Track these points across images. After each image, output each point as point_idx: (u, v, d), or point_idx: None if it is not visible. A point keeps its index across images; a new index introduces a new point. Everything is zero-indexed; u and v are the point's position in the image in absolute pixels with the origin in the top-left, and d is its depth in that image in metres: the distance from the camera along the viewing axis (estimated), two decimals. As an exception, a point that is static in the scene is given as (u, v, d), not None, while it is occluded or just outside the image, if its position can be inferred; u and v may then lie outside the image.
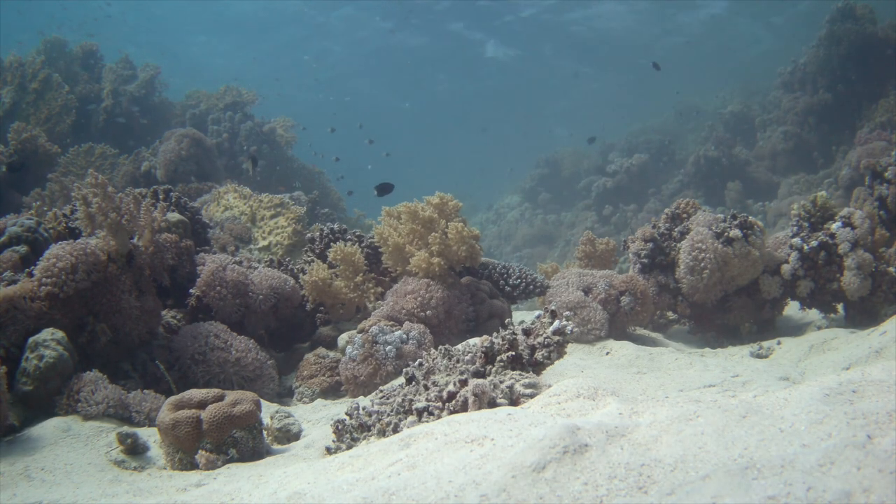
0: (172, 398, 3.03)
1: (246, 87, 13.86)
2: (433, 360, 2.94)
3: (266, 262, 5.79)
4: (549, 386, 2.47)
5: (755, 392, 1.91)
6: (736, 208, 11.82)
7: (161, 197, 5.51)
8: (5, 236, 4.15)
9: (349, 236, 5.80)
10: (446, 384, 2.62)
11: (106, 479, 2.75)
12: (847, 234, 5.06)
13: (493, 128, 43.89)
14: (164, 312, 4.60)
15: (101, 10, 25.77)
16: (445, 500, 1.47)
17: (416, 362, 2.99)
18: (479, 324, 5.05)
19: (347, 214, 13.45)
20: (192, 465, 2.90)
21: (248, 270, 5.10)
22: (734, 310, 5.54)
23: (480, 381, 2.50)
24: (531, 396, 2.47)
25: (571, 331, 2.78)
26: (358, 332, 4.65)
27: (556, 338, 2.76)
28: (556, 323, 2.78)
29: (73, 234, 4.47)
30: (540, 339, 2.77)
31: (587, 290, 5.31)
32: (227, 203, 7.95)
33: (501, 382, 2.54)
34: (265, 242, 7.45)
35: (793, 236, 5.41)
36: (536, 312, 2.94)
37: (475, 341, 3.19)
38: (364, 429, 2.76)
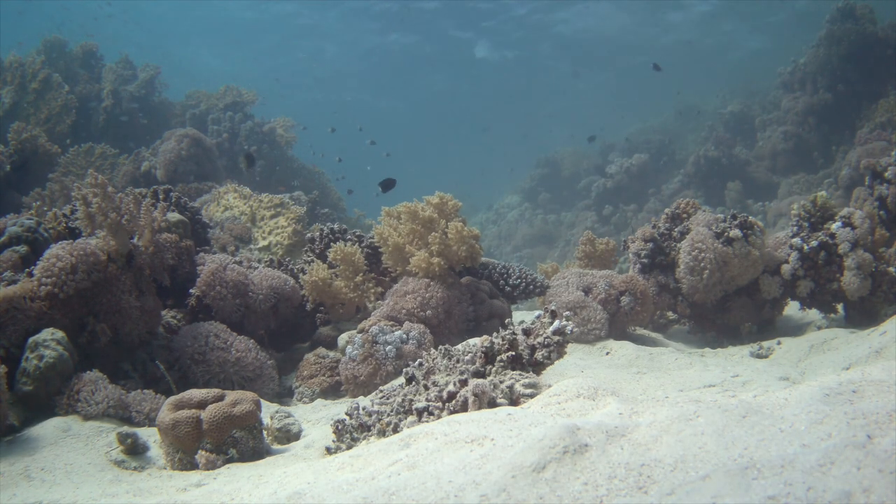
0: (172, 398, 3.03)
1: (245, 87, 13.86)
2: (433, 360, 2.94)
3: (266, 262, 5.79)
4: (549, 386, 2.47)
5: (755, 392, 1.91)
6: (736, 208, 11.82)
7: (161, 197, 5.51)
8: (5, 236, 4.15)
9: (349, 236, 5.80)
10: (446, 384, 2.62)
11: (106, 479, 2.75)
12: (847, 234, 5.06)
13: (494, 128, 43.95)
14: (164, 312, 4.60)
15: (100, 10, 25.78)
16: (445, 500, 1.47)
17: (416, 362, 2.99)
18: (479, 324, 5.05)
19: (347, 214, 13.45)
20: (192, 465, 2.90)
21: (248, 270, 5.10)
22: (734, 310, 5.54)
23: (480, 381, 2.50)
24: (531, 396, 2.47)
25: (571, 331, 2.78)
26: (358, 332, 4.65)
27: (556, 338, 2.76)
28: (556, 323, 2.78)
29: (73, 234, 4.47)
30: (540, 339, 2.77)
31: (587, 290, 5.31)
32: (227, 203, 7.95)
33: (501, 382, 2.54)
34: (265, 242, 7.45)
35: (793, 236, 5.41)
36: (536, 312, 2.94)
37: (475, 341, 3.19)
38: (364, 429, 2.76)
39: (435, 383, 2.70)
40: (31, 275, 3.74)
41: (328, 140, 18.48)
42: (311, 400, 4.58)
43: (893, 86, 12.67)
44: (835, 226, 5.18)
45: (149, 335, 4.19)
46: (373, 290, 5.29)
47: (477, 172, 41.74)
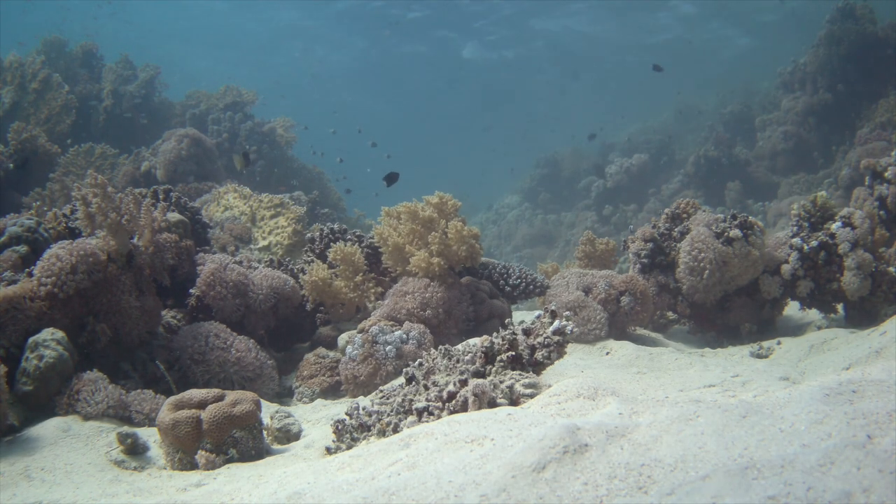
0: (172, 398, 3.03)
1: (245, 87, 13.87)
2: (433, 360, 2.94)
3: (266, 262, 5.79)
4: (550, 386, 2.47)
5: (755, 392, 1.91)
6: (736, 208, 11.82)
7: (161, 197, 5.51)
8: (5, 236, 4.15)
9: (349, 236, 5.80)
10: (446, 384, 2.62)
11: (106, 479, 2.75)
12: (847, 234, 5.06)
13: (494, 128, 43.95)
14: (164, 312, 4.60)
15: (100, 10, 25.79)
16: (445, 500, 1.47)
17: (416, 362, 2.99)
18: (479, 324, 5.05)
19: (347, 214, 13.45)
20: (192, 465, 2.90)
21: (248, 270, 5.10)
22: (734, 310, 5.54)
23: (480, 381, 2.50)
24: (531, 396, 2.47)
25: (571, 331, 2.78)
26: (358, 332, 4.65)
27: (556, 338, 2.76)
28: (556, 323, 2.78)
29: (73, 234, 4.47)
30: (540, 339, 2.77)
31: (587, 290, 5.31)
32: (227, 203, 7.95)
33: (501, 382, 2.54)
34: (265, 242, 7.45)
35: (793, 236, 5.41)
36: (536, 312, 2.94)
37: (475, 341, 3.19)
38: (364, 429, 2.76)
39: (435, 383, 2.70)
40: (31, 275, 3.74)
41: (328, 141, 18.50)
42: (311, 400, 4.58)
43: (893, 86, 12.67)
44: (835, 226, 5.18)
45: (149, 335, 4.19)
46: (373, 290, 5.29)
47: (477, 172, 41.81)
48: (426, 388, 2.70)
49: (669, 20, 30.16)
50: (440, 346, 3.00)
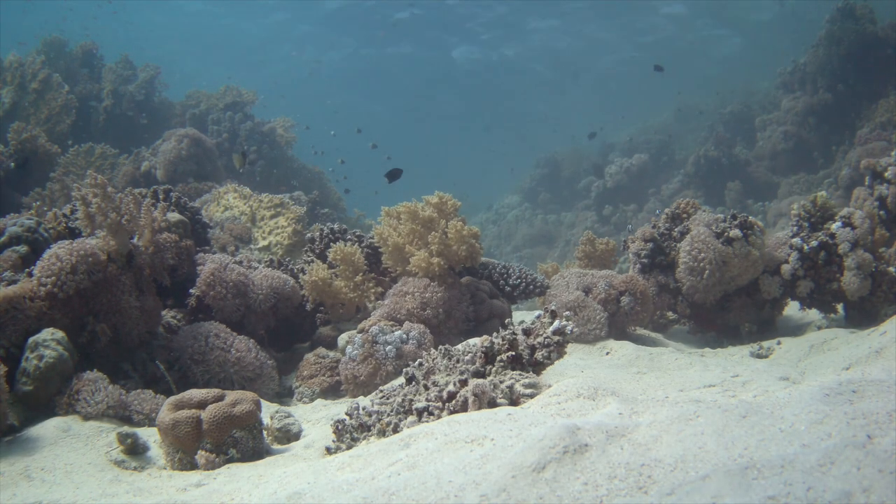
0: (172, 398, 3.03)
1: (249, 87, 13.88)
2: (433, 360, 2.94)
3: (266, 262, 5.79)
4: (549, 386, 2.47)
5: (755, 392, 1.90)
6: (736, 208, 11.81)
7: (161, 197, 5.51)
8: (5, 236, 4.15)
9: (349, 236, 5.80)
10: (446, 384, 2.62)
11: (106, 479, 2.75)
12: (847, 234, 5.06)
13: (493, 129, 43.95)
14: (164, 312, 4.60)
15: (100, 9, 25.79)
16: (445, 500, 1.47)
17: (416, 362, 2.99)
18: (479, 324, 5.05)
19: (347, 214, 13.45)
20: (192, 465, 2.90)
21: (248, 270, 5.10)
22: (734, 310, 5.54)
23: (480, 381, 2.50)
24: (531, 396, 2.47)
25: (571, 331, 2.78)
26: (358, 332, 4.65)
27: (556, 338, 2.76)
28: (556, 323, 2.78)
29: (73, 234, 4.47)
30: (540, 339, 2.77)
31: (587, 290, 5.31)
32: (227, 203, 7.95)
33: (501, 382, 2.54)
34: (265, 242, 7.45)
35: (793, 236, 5.41)
36: (536, 312, 2.94)
37: (475, 341, 3.19)
38: (364, 429, 2.76)
39: (435, 383, 2.70)
40: (31, 275, 3.74)
41: (327, 142, 18.49)
42: (311, 400, 4.58)
43: (893, 86, 12.67)
44: (835, 226, 5.18)
45: (149, 335, 4.19)
46: (373, 290, 5.29)
47: (477, 172, 41.83)
48: (426, 388, 2.70)
49: (661, 20, 30.22)
50: (440, 346, 3.00)
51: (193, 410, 2.94)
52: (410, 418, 2.58)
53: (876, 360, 3.40)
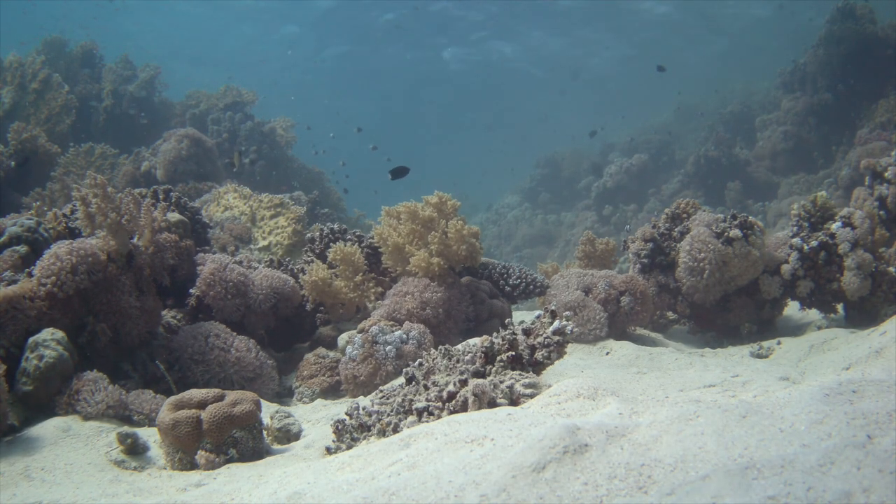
0: (172, 398, 3.03)
1: (247, 87, 13.88)
2: (433, 360, 2.94)
3: (266, 262, 5.79)
4: (549, 386, 2.47)
5: (755, 392, 1.90)
6: (736, 208, 11.81)
7: (161, 197, 5.51)
8: (5, 236, 4.15)
9: (349, 236, 5.79)
10: (446, 384, 2.62)
11: (106, 478, 2.75)
12: (847, 234, 5.06)
13: (493, 129, 43.97)
14: (164, 312, 4.60)
15: (101, 8, 25.80)
16: (445, 500, 1.47)
17: (416, 362, 2.99)
18: (479, 324, 5.05)
19: (347, 214, 13.45)
20: (192, 465, 2.90)
21: (248, 270, 5.10)
22: (734, 310, 5.54)
23: (480, 381, 2.50)
24: (531, 396, 2.47)
25: (571, 331, 2.78)
26: (358, 332, 4.65)
27: (556, 338, 2.76)
28: (556, 323, 2.78)
29: (73, 234, 4.46)
30: (540, 339, 2.77)
31: (587, 290, 5.31)
32: (227, 203, 7.95)
33: (501, 382, 2.54)
34: (265, 242, 7.45)
35: (793, 236, 5.41)
36: (536, 312, 2.94)
37: (475, 341, 3.19)
38: (364, 429, 2.76)
39: (435, 383, 2.70)
40: (31, 275, 3.74)
41: (327, 143, 18.50)
42: (311, 400, 4.58)
43: (893, 86, 12.66)
44: (835, 226, 5.18)
45: (149, 335, 4.19)
46: (373, 290, 5.29)
47: (477, 172, 41.82)
48: (426, 388, 2.70)
49: (650, 18, 30.23)
50: (440, 346, 3.00)
51: (193, 410, 2.94)
52: (410, 418, 2.58)
53: (876, 360, 3.40)
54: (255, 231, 7.60)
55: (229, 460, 2.91)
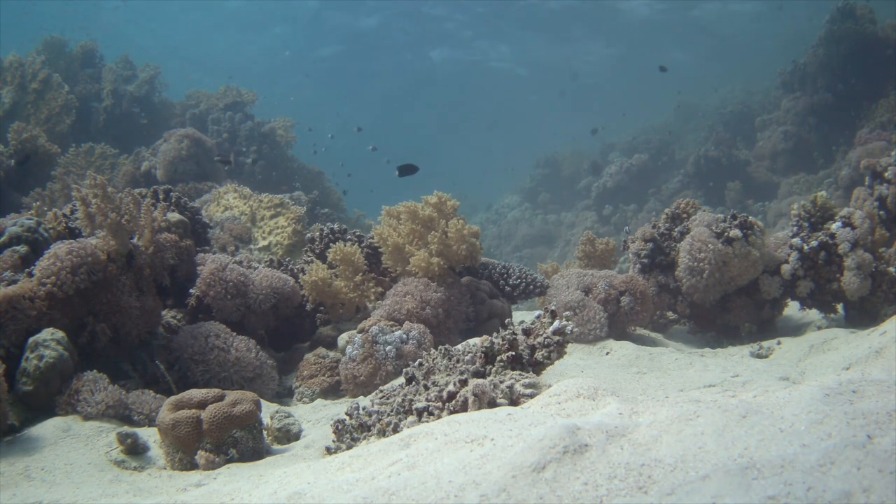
0: (172, 398, 3.03)
1: (246, 87, 13.88)
2: (433, 360, 2.94)
3: (266, 262, 5.79)
4: (549, 386, 2.47)
5: (755, 392, 1.90)
6: (736, 208, 11.81)
7: (161, 197, 5.51)
8: (5, 236, 4.15)
9: (349, 236, 5.79)
10: (446, 384, 2.62)
11: (106, 479, 2.75)
12: (847, 234, 5.06)
13: (494, 129, 43.99)
14: (164, 312, 4.60)
15: (99, 8, 25.81)
16: (445, 500, 1.47)
17: (416, 362, 2.99)
18: (479, 324, 5.05)
19: (347, 214, 13.46)
20: (192, 465, 2.90)
21: (248, 270, 5.10)
22: (734, 310, 5.54)
23: (480, 381, 2.50)
24: (531, 396, 2.46)
25: (571, 331, 2.78)
26: (358, 332, 4.65)
27: (556, 338, 2.76)
28: (556, 323, 2.78)
29: (73, 234, 4.46)
30: (540, 339, 2.77)
31: (587, 290, 5.31)
32: (227, 203, 7.95)
33: (501, 382, 2.54)
34: (265, 242, 7.45)
35: (793, 236, 5.41)
36: (536, 312, 2.94)
37: (475, 341, 3.19)
38: (364, 429, 2.76)
39: (435, 383, 2.70)
40: (31, 275, 3.74)
41: (326, 144, 18.51)
42: (311, 400, 4.58)
43: (893, 86, 12.66)
44: (835, 226, 5.18)
45: (149, 335, 4.19)
46: (373, 290, 5.29)
47: (477, 172, 41.85)
48: (426, 388, 2.70)
49: (633, 19, 30.30)
50: (440, 346, 3.00)
51: (193, 410, 2.94)
52: (410, 418, 2.58)
53: (876, 359, 3.40)
54: (255, 231, 7.60)
55: (229, 460, 2.91)
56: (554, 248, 17.56)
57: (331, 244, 5.61)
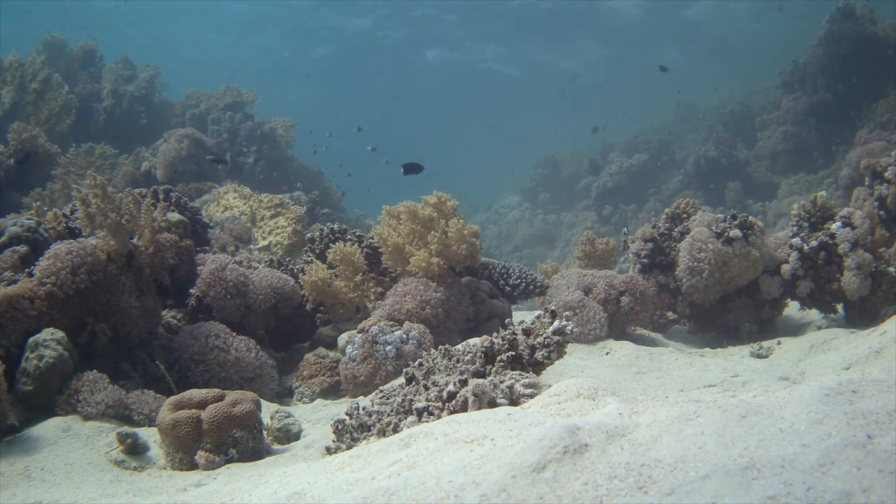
0: (172, 398, 3.03)
1: (246, 87, 13.88)
2: (433, 360, 2.94)
3: (266, 262, 5.79)
4: (549, 386, 2.47)
5: (755, 392, 1.90)
6: (736, 208, 11.80)
7: (161, 197, 5.51)
8: (5, 236, 4.15)
9: (349, 236, 5.79)
10: (446, 384, 2.62)
11: (106, 479, 2.75)
12: (847, 234, 5.06)
13: (495, 128, 44.02)
14: (164, 312, 4.60)
15: (98, 8, 25.81)
16: (445, 500, 1.47)
17: (416, 362, 2.99)
18: (479, 324, 5.05)
19: (347, 214, 13.46)
20: (192, 465, 2.90)
21: (248, 270, 5.10)
22: (734, 310, 5.54)
23: (480, 381, 2.50)
24: (531, 396, 2.46)
25: (571, 331, 2.78)
26: (358, 332, 4.65)
27: (556, 338, 2.76)
28: (556, 323, 2.78)
29: (73, 234, 4.46)
30: (540, 339, 2.77)
31: (587, 290, 5.31)
32: (227, 203, 7.95)
33: (501, 382, 2.54)
34: (265, 242, 7.45)
35: (793, 236, 5.41)
36: (536, 312, 2.94)
37: (475, 341, 3.19)
38: (364, 429, 2.76)
39: (435, 383, 2.70)
40: (31, 275, 3.74)
41: (325, 144, 18.50)
42: (311, 400, 4.58)
43: (893, 86, 12.66)
44: (835, 226, 5.18)
45: (149, 335, 4.19)
46: (373, 290, 5.29)
47: (477, 172, 41.85)
48: (426, 388, 2.70)
49: (624, 20, 30.31)
50: (440, 346, 3.00)
51: (193, 410, 2.94)
52: (410, 418, 2.58)
53: (876, 359, 3.40)
54: (255, 231, 7.60)
55: (229, 460, 2.91)
56: (554, 248, 17.56)
57: (331, 244, 5.61)
